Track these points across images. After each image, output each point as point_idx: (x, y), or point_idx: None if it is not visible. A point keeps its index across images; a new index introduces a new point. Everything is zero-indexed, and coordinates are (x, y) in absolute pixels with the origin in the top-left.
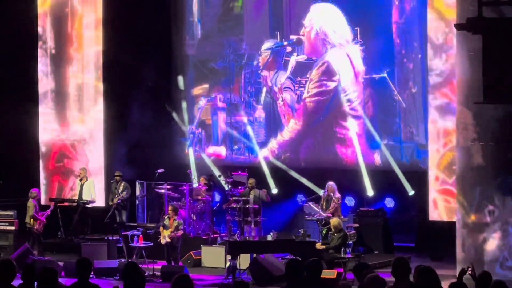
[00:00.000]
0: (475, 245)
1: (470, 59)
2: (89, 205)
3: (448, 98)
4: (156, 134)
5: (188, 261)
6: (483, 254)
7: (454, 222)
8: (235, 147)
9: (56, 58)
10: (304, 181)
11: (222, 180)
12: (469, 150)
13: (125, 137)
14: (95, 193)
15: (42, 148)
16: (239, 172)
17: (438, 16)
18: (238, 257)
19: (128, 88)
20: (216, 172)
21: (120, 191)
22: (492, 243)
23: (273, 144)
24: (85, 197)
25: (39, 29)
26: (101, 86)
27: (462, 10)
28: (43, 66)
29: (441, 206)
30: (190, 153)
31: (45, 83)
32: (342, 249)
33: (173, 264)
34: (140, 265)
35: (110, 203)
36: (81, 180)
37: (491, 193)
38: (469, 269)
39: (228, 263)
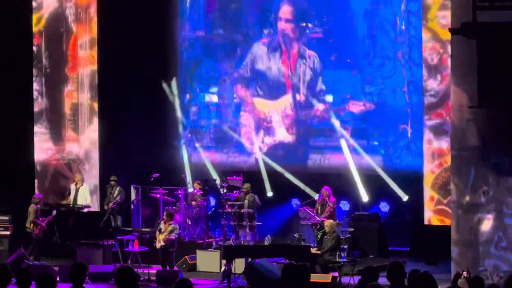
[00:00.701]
0: (469, 226)
1: (464, 39)
2: (85, 210)
3: (442, 118)
4: (151, 139)
5: (183, 266)
6: (477, 235)
7: (449, 227)
8: (226, 150)
9: (51, 77)
10: (299, 183)
11: (217, 183)
12: (463, 130)
13: (120, 144)
14: (90, 197)
15: (37, 167)
16: (234, 176)
17: (433, 36)
18: (233, 261)
19: (123, 107)
20: (214, 175)
21: (115, 195)
22: (487, 224)
23: (267, 141)
24: (80, 201)
25: (34, 48)
26: (96, 105)
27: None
28: (38, 85)
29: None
30: (185, 156)
31: (40, 102)
32: (337, 252)
33: (168, 268)
34: (135, 270)
35: (105, 207)
36: (76, 184)
37: (486, 173)
38: (464, 272)
39: (223, 268)
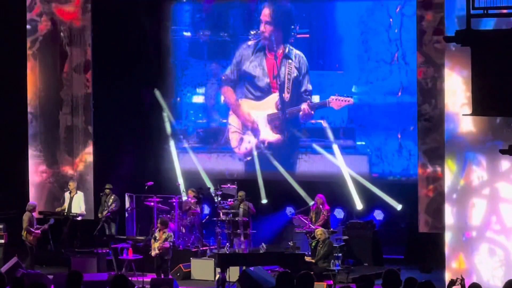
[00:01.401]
0: (463, 210)
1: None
2: (79, 218)
3: (437, 143)
4: (145, 147)
5: (178, 274)
6: (471, 219)
7: (443, 234)
8: (216, 153)
9: (45, 100)
10: (295, 185)
11: (211, 191)
12: (458, 115)
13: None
14: (84, 205)
15: (32, 191)
16: (229, 184)
17: (426, 60)
18: (228, 269)
19: (118, 130)
20: (208, 184)
21: (109, 203)
22: (481, 208)
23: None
24: (75, 210)
25: (28, 71)
26: (90, 129)
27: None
28: (32, 108)
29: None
30: (176, 161)
31: (34, 125)
32: (332, 261)
33: (162, 276)
34: (130, 278)
35: (100, 215)
36: (70, 193)
37: (480, 157)
38: (458, 280)
39: (217, 276)
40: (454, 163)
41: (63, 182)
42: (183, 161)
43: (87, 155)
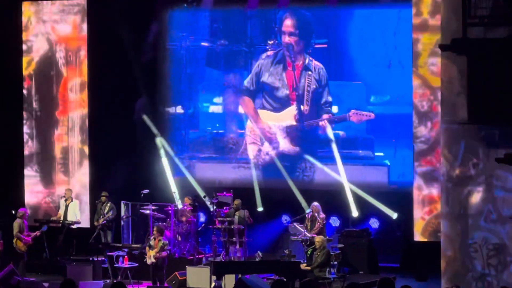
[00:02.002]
0: (459, 199)
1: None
2: (74, 226)
3: (433, 165)
4: (141, 156)
5: (173, 282)
6: (467, 208)
7: (439, 243)
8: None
9: (42, 120)
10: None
11: (207, 201)
12: (454, 104)
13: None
14: (80, 213)
15: (28, 210)
16: (224, 192)
17: (423, 83)
18: (223, 277)
19: (114, 151)
20: (201, 193)
21: (105, 211)
22: (477, 196)
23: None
24: (70, 217)
25: (24, 92)
26: (86, 149)
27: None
28: (29, 128)
29: None
30: (168, 173)
31: (30, 145)
32: (327, 269)
33: (158, 284)
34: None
35: (96, 223)
36: (66, 200)
37: (476, 146)
38: None
39: (213, 284)
40: (450, 151)
41: (59, 202)
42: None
43: (83, 175)
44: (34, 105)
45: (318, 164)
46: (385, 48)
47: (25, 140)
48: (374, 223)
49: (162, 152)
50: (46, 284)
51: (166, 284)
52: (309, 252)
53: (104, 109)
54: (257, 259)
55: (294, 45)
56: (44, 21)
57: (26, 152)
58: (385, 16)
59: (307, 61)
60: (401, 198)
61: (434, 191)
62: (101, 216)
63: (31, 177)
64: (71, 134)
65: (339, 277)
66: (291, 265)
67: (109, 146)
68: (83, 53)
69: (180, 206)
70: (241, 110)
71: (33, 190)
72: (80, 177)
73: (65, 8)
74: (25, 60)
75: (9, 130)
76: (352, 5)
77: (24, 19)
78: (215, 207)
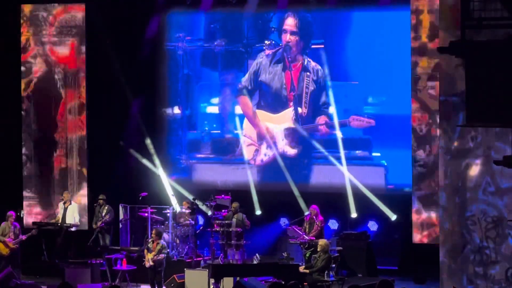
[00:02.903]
0: (457, 171)
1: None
2: (73, 229)
3: (432, 189)
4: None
5: (172, 285)
6: (465, 180)
7: (437, 245)
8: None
9: (40, 142)
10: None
11: (203, 206)
12: (453, 75)
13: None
14: (78, 216)
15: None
16: (223, 195)
17: (421, 107)
18: (222, 280)
19: (112, 172)
20: (199, 202)
21: (103, 214)
22: (475, 169)
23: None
24: (69, 220)
25: (23, 113)
26: (85, 171)
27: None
28: (27, 150)
29: None
30: (164, 178)
31: (29, 167)
32: (326, 272)
33: (156, 287)
34: None
35: (94, 226)
36: (64, 203)
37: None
38: None
39: (211, 287)
40: (449, 124)
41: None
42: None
43: (82, 197)
44: (33, 126)
45: (316, 166)
46: (383, 49)
47: (23, 161)
48: (372, 225)
49: (155, 157)
50: (44, 287)
51: (165, 287)
52: (307, 255)
53: (102, 131)
54: (255, 262)
55: (294, 45)
56: (42, 43)
57: (25, 173)
58: (384, 17)
59: (305, 62)
60: (399, 201)
61: (433, 215)
62: (99, 219)
63: (29, 198)
64: (69, 156)
65: (337, 280)
66: (290, 268)
67: (108, 168)
68: (82, 75)
69: (178, 209)
70: (238, 110)
71: (31, 212)
72: (79, 199)
73: (63, 30)
74: (23, 81)
75: (7, 152)
76: (350, 6)
77: (23, 41)
78: (213, 211)
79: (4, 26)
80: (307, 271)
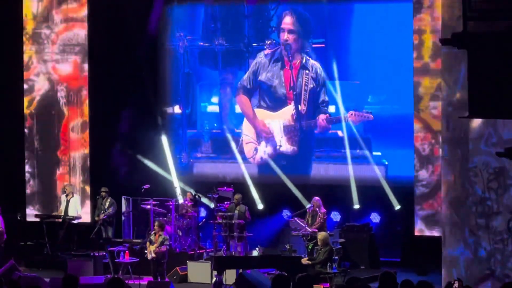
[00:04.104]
0: (460, 123)
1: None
2: (75, 221)
3: (434, 209)
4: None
5: (174, 277)
6: (468, 132)
7: (440, 237)
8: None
9: (43, 160)
10: (293, 189)
11: (204, 199)
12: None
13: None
14: (80, 208)
15: None
16: (225, 187)
17: (424, 126)
18: (224, 272)
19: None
20: (204, 199)
21: (106, 207)
22: (477, 120)
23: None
24: (71, 213)
25: (26, 131)
26: (88, 189)
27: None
28: (30, 167)
29: None
30: (171, 168)
31: (32, 184)
32: (328, 264)
33: (159, 279)
34: (126, 281)
35: (96, 218)
36: (67, 196)
37: None
38: (456, 282)
39: (214, 279)
40: (450, 75)
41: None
42: (186, 165)
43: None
44: (36, 144)
45: (316, 163)
46: (384, 45)
47: (26, 179)
48: (375, 217)
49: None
50: (47, 280)
51: (167, 279)
52: (310, 247)
53: (105, 149)
54: (257, 254)
55: (293, 43)
56: (45, 61)
57: (28, 191)
58: (385, 12)
59: (304, 60)
60: (401, 193)
61: (436, 233)
62: (102, 212)
63: (33, 216)
64: (72, 174)
65: (340, 272)
66: (292, 260)
67: (111, 186)
68: (85, 93)
69: (181, 201)
70: (239, 109)
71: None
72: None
73: (66, 48)
74: (26, 99)
75: (10, 169)
76: (351, 1)
77: (25, 59)
78: (215, 203)
79: (7, 44)
80: (310, 263)
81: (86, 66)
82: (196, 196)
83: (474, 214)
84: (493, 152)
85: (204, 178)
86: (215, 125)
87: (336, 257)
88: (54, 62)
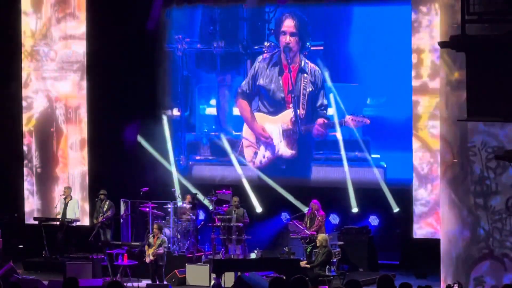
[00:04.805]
0: (458, 102)
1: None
2: (74, 224)
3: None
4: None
5: (173, 280)
6: (466, 111)
7: (439, 240)
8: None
9: (42, 177)
10: (289, 196)
11: (204, 200)
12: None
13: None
14: (79, 211)
15: None
16: (223, 190)
17: (422, 145)
18: (223, 275)
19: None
20: (201, 196)
21: (104, 209)
22: None
23: (267, 155)
24: (70, 215)
25: (25, 148)
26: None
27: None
28: (29, 185)
29: None
30: (174, 171)
31: (31, 202)
32: (327, 266)
33: (157, 282)
34: (125, 284)
35: (95, 221)
36: (65, 198)
37: None
38: (455, 285)
39: (212, 282)
40: (449, 54)
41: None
42: (184, 168)
43: None
44: (34, 161)
45: (315, 166)
46: (382, 48)
47: (25, 196)
48: (373, 220)
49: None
50: (45, 282)
51: (166, 282)
52: (308, 250)
53: (104, 167)
54: (256, 257)
55: (293, 46)
56: (43, 78)
57: (27, 208)
58: (384, 14)
59: (302, 63)
60: (400, 196)
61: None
62: (100, 214)
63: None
64: (72, 191)
65: (338, 275)
66: (291, 262)
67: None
68: (83, 110)
69: (179, 204)
70: (237, 112)
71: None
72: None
73: (64, 65)
74: (25, 116)
75: (9, 187)
76: (349, 3)
77: (24, 76)
78: (214, 205)
79: (5, 61)
80: (308, 266)
81: (84, 83)
82: (195, 201)
83: (473, 194)
84: (491, 132)
85: (203, 180)
86: (214, 127)
87: (335, 260)
88: (53, 80)
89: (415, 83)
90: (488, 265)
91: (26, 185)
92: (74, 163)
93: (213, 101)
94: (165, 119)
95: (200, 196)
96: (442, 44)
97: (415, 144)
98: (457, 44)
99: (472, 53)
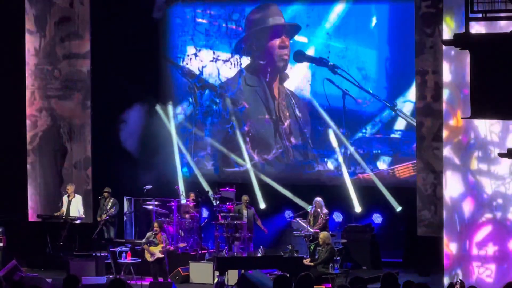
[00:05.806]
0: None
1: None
2: (77, 222)
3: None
4: (146, 150)
5: (176, 277)
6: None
7: (441, 238)
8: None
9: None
10: (290, 195)
11: (210, 195)
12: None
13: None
14: (83, 209)
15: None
16: (227, 188)
17: (426, 167)
18: (226, 273)
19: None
20: (206, 187)
21: (108, 207)
22: None
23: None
24: (73, 213)
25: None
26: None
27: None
28: (33, 203)
29: None
30: (178, 168)
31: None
32: (330, 264)
33: (162, 280)
34: (128, 281)
35: (98, 219)
36: (69, 196)
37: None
38: (457, 283)
39: (216, 279)
40: (453, 20)
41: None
42: (185, 165)
43: None
44: (39, 180)
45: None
46: (384, 48)
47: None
48: (377, 218)
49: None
50: (49, 280)
51: (169, 279)
52: (312, 248)
53: (107, 185)
54: (259, 255)
55: (281, 59)
56: (48, 97)
57: (30, 207)
58: (385, 11)
59: (284, 75)
60: (404, 194)
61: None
62: (104, 212)
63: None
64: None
65: (342, 272)
66: (294, 260)
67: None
68: (87, 129)
69: (183, 202)
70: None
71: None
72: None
73: (68, 84)
74: (29, 135)
75: (14, 205)
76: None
77: (28, 94)
78: (218, 202)
79: (10, 80)
80: (312, 263)
81: (88, 103)
82: (198, 198)
83: (476, 158)
84: None
85: (207, 178)
86: (217, 124)
87: (338, 258)
88: (57, 98)
89: (418, 104)
90: (491, 229)
91: (30, 204)
92: (78, 182)
93: (216, 99)
94: (171, 112)
95: (211, 194)
96: (446, 43)
97: (419, 165)
98: (461, 42)
99: (476, 51)
